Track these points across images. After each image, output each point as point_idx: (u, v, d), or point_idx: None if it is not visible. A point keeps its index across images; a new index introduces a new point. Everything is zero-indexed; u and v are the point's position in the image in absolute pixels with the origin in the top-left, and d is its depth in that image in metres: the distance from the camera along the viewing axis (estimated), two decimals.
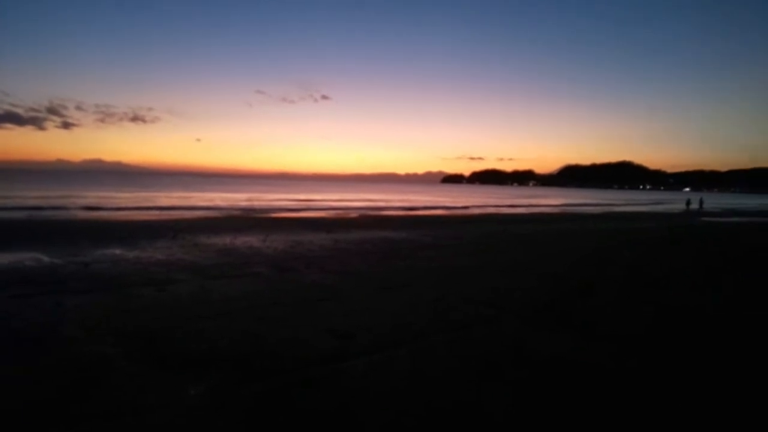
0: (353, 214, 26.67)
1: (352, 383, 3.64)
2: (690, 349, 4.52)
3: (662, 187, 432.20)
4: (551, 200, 61.51)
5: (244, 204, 33.96)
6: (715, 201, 77.27)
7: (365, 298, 6.32)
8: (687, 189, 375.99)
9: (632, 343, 4.67)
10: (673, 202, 64.69)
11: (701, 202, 45.95)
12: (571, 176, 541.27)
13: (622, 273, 8.77)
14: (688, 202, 48.72)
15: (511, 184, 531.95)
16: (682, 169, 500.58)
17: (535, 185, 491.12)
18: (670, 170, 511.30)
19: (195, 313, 5.44)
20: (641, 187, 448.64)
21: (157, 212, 23.70)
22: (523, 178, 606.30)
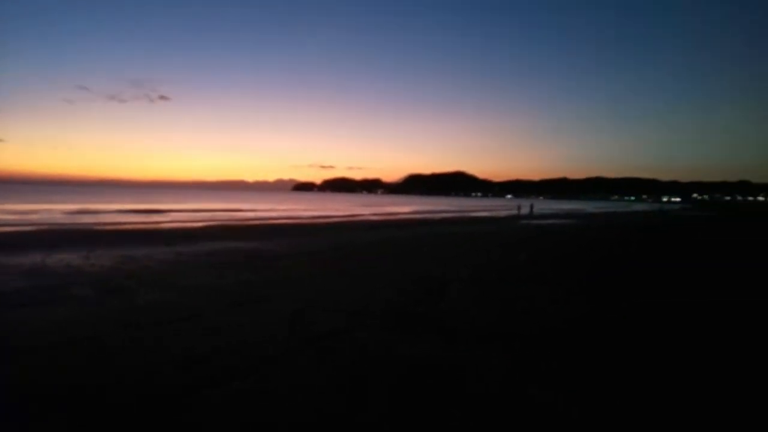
0: (198, 224, 24.60)
1: (206, 418, 3.09)
2: (535, 341, 4.89)
3: (490, 195, 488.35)
4: (403, 207, 64.48)
5: (62, 215, 29.02)
6: (539, 206, 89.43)
7: (216, 317, 5.63)
8: (509, 196, 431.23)
9: (492, 340, 4.88)
10: (506, 208, 72.56)
11: (531, 207, 52.61)
12: (415, 185, 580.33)
13: (473, 272, 9.36)
14: (519, 208, 55.27)
15: (361, 192, 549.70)
16: (505, 179, 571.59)
17: (382, 193, 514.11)
18: (496, 179, 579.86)
19: None
20: (473, 194, 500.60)
21: None
22: (371, 186, 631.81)
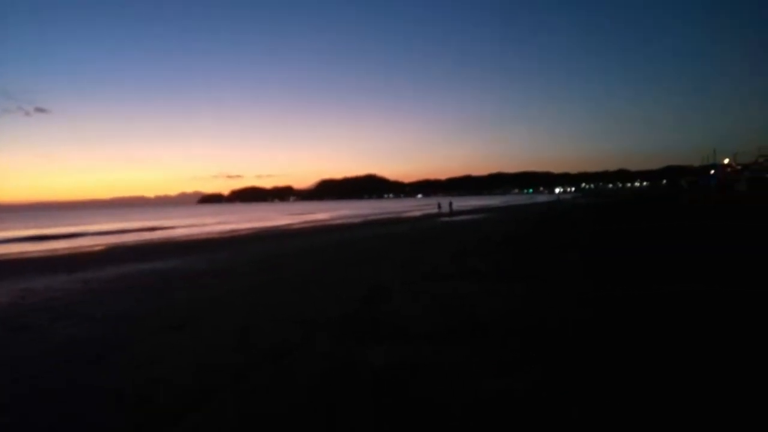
0: (99, 247, 22.51)
1: None
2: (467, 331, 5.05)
3: (402, 195, 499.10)
4: (319, 214, 63.03)
5: None
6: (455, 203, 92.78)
7: (149, 347, 5.15)
8: (420, 195, 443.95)
9: (433, 338, 4.96)
10: (422, 207, 74.45)
11: (450, 205, 54.41)
12: (327, 190, 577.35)
13: (403, 271, 9.44)
14: (439, 206, 56.74)
15: (272, 200, 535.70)
16: (415, 179, 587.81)
17: (295, 200, 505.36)
18: (406, 180, 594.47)
19: None
20: (385, 196, 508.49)
21: None
22: (283, 194, 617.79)
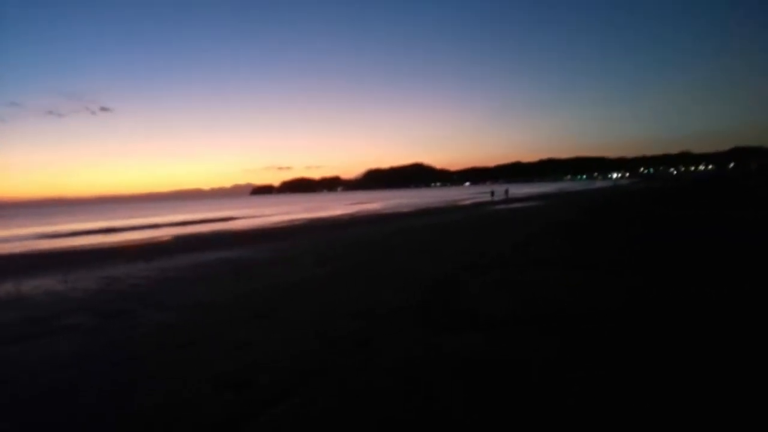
0: (166, 238, 23.72)
1: None
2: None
3: (449, 184, 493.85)
4: (371, 204, 63.17)
5: (9, 240, 27.31)
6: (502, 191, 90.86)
7: (241, 333, 5.37)
8: (467, 183, 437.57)
9: (510, 325, 4.88)
10: (473, 195, 73.13)
11: (507, 192, 53.66)
12: (374, 180, 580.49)
13: (466, 259, 9.34)
14: (492, 193, 55.89)
15: (321, 191, 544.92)
16: (462, 167, 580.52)
17: (343, 190, 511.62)
18: (453, 168, 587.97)
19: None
20: (433, 185, 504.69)
21: None
22: (331, 184, 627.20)
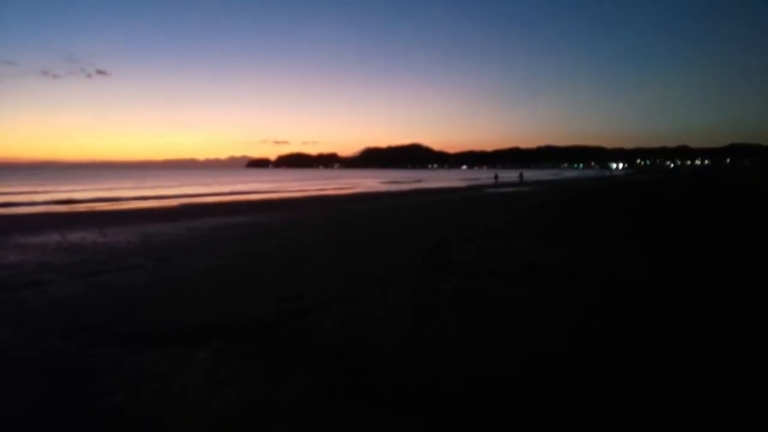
0: (174, 203, 25.01)
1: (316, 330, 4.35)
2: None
3: (446, 166, 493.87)
4: (368, 181, 64.37)
5: (21, 197, 28.42)
6: (505, 174, 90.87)
7: (285, 272, 6.77)
8: (464, 167, 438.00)
9: (495, 274, 6.31)
10: (478, 179, 73.54)
11: (521, 176, 54.98)
12: (371, 158, 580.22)
13: (461, 231, 10.77)
14: (496, 177, 57.54)
15: (317, 167, 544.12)
16: (460, 150, 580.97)
17: (339, 168, 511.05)
18: (451, 151, 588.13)
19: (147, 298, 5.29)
20: (429, 166, 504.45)
21: None
22: (328, 161, 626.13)
